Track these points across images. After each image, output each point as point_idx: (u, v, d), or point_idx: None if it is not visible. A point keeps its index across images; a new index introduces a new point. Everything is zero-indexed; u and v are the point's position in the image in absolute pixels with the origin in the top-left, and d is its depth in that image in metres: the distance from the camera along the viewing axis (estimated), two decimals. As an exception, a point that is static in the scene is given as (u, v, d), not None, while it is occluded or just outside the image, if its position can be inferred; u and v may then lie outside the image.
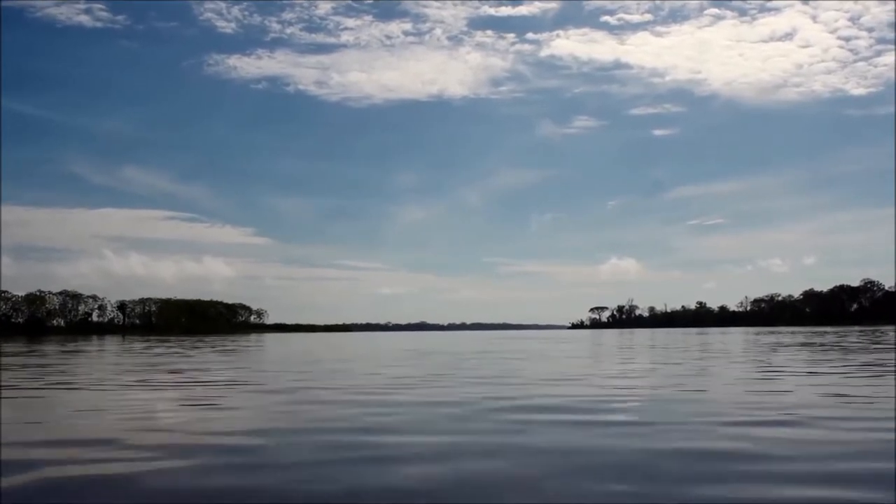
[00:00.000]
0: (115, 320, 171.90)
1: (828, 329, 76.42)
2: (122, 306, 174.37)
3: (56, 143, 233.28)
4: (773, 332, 61.71)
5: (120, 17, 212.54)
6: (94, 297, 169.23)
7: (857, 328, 78.01)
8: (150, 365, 18.93)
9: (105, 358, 23.98)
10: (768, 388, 10.28)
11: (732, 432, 6.20)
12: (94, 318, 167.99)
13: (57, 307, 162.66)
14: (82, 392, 10.85)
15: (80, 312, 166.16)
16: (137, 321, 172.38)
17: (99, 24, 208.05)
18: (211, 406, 8.82)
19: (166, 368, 16.96)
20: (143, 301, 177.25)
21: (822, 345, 27.62)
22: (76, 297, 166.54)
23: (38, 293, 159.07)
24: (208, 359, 22.24)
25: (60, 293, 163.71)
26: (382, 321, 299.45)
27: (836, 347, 24.65)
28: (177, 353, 27.62)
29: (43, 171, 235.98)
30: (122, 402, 9.35)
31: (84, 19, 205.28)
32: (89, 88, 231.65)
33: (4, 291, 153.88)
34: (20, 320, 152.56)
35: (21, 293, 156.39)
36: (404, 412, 7.86)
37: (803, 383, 11.03)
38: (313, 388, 11.13)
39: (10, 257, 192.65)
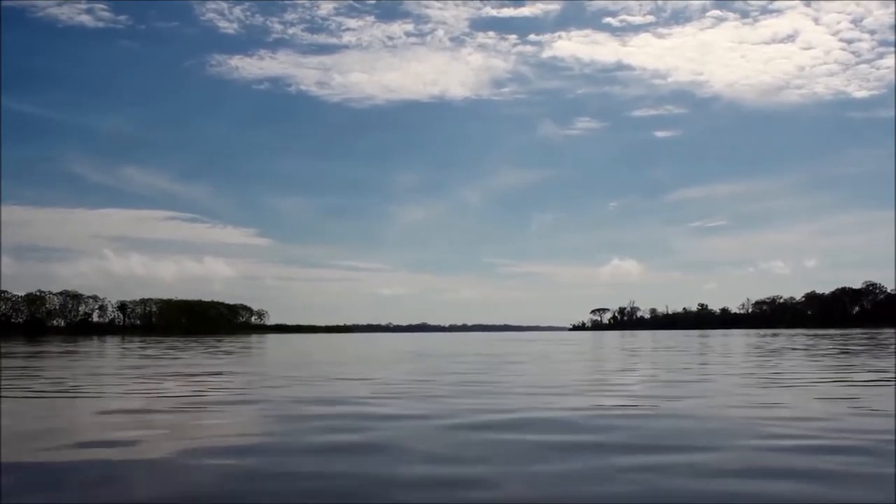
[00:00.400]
0: (116, 321, 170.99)
1: (831, 332, 75.27)
2: (122, 307, 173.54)
3: (57, 143, 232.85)
4: (779, 334, 60.58)
5: (122, 18, 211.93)
6: (95, 298, 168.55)
7: (859, 331, 76.88)
8: (134, 367, 17.98)
9: (87, 361, 22.96)
10: (802, 402, 9.22)
11: (794, 464, 5.04)
12: (95, 318, 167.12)
13: (57, 307, 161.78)
14: (13, 402, 9.87)
15: (81, 313, 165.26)
16: (138, 322, 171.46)
17: (101, 24, 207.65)
18: (143, 424, 7.83)
19: (142, 373, 15.95)
20: (143, 301, 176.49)
21: (832, 349, 26.56)
22: (76, 297, 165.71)
23: (38, 293, 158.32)
24: (195, 361, 21.26)
25: (61, 293, 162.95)
26: (383, 322, 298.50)
27: (848, 352, 23.60)
28: (167, 354, 26.66)
29: (43, 171, 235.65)
30: (35, 413, 8.39)
31: (85, 19, 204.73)
32: (90, 88, 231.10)
33: (4, 291, 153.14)
34: (21, 320, 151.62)
35: (21, 293, 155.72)
36: (380, 428, 6.85)
37: (836, 395, 10.00)
38: (286, 397, 10.14)
39: (10, 257, 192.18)
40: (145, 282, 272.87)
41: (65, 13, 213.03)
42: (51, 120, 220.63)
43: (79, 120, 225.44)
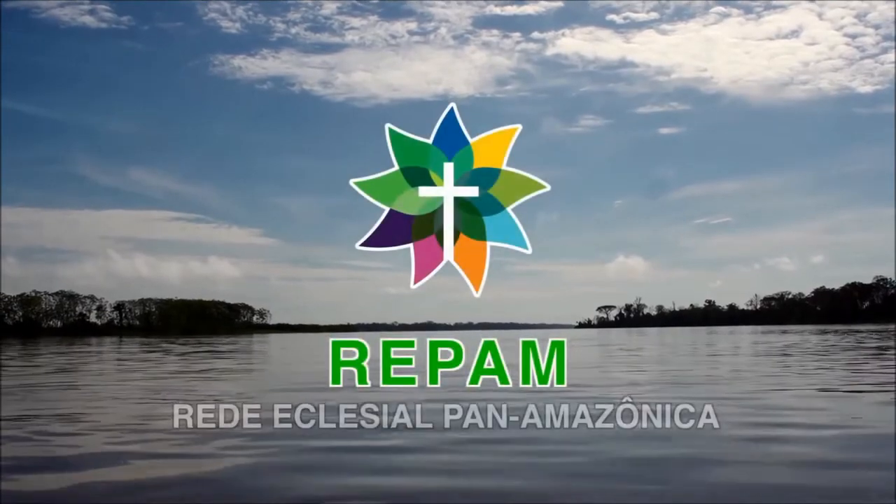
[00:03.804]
0: (115, 321, 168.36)
1: (849, 327, 72.07)
2: (119, 306, 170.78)
3: (62, 145, 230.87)
4: (801, 331, 57.52)
5: (124, 18, 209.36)
6: (92, 298, 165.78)
7: (873, 326, 73.74)
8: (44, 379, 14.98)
9: (27, 366, 19.94)
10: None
11: None
12: (93, 318, 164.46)
13: (53, 308, 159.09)
14: None
15: (77, 313, 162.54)
16: (137, 322, 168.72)
17: (103, 25, 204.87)
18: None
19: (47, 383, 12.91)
20: (142, 301, 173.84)
21: (864, 345, 23.51)
22: (72, 297, 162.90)
23: (32, 293, 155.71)
24: (135, 366, 18.28)
25: (56, 293, 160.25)
26: (389, 321, 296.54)
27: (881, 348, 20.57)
28: (125, 357, 23.70)
29: (50, 172, 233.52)
30: None
31: (88, 20, 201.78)
32: (95, 89, 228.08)
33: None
34: (17, 320, 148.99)
35: (15, 293, 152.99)
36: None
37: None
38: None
39: (16, 259, 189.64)
40: (150, 283, 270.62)
41: (67, 14, 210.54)
42: (56, 121, 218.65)
43: (84, 121, 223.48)
